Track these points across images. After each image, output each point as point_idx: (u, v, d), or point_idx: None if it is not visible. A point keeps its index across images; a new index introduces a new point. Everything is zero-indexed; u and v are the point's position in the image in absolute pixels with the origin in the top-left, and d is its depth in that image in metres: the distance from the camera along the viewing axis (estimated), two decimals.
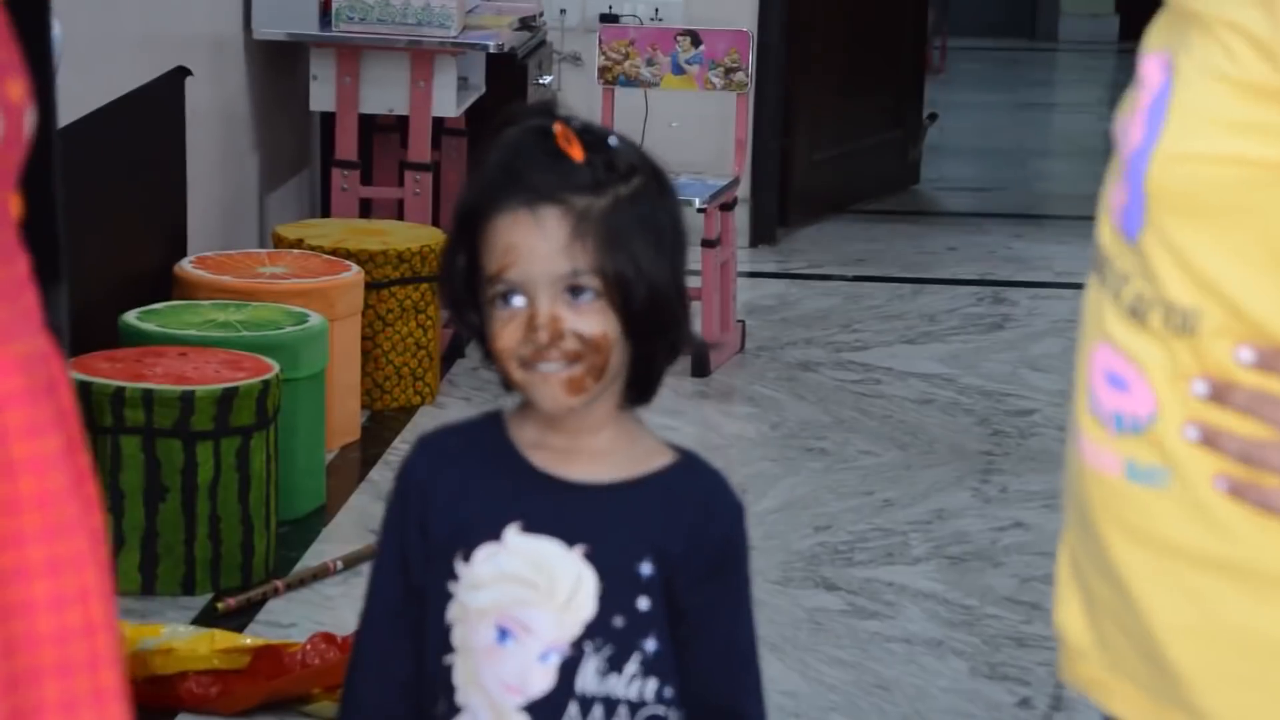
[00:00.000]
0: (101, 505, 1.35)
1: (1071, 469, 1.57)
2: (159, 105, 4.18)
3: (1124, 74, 9.06)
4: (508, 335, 1.75)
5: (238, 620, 3.42)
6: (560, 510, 1.80)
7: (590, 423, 1.80)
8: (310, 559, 3.70)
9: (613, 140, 1.81)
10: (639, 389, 1.82)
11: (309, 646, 3.13)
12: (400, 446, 4.24)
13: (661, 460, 1.83)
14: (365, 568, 3.64)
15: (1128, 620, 1.51)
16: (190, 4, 4.51)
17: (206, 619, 3.42)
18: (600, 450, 1.82)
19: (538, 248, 1.74)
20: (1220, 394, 1.43)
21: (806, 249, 5.87)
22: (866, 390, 4.71)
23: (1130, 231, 1.47)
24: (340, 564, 3.65)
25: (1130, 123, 1.48)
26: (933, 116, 6.84)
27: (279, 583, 3.56)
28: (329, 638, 3.16)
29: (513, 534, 1.78)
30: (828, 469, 4.22)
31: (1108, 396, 1.50)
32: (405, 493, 1.84)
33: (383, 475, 4.09)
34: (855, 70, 6.26)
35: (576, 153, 1.76)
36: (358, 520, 3.90)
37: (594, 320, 1.74)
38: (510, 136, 1.80)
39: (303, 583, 3.59)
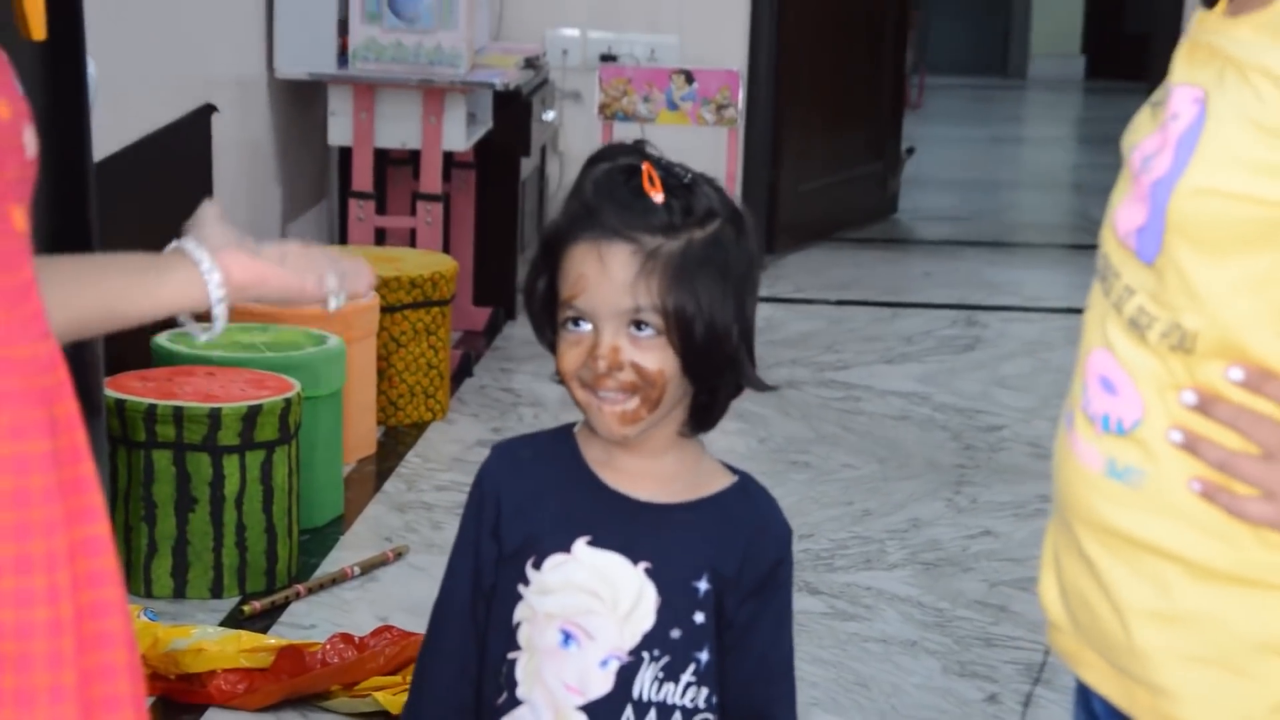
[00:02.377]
0: (104, 516, 1.31)
1: (1058, 456, 1.59)
2: (188, 140, 4.20)
3: (1090, 110, 9.06)
4: (572, 357, 1.75)
5: (262, 622, 3.43)
6: (626, 528, 1.79)
7: (651, 447, 1.80)
8: (329, 565, 3.72)
9: (697, 184, 1.79)
10: (700, 419, 1.82)
11: (328, 646, 3.14)
12: (412, 460, 4.26)
13: (720, 483, 1.84)
14: (380, 572, 3.68)
15: (1096, 601, 1.54)
16: (217, 45, 4.52)
17: (234, 621, 3.43)
18: (664, 473, 1.82)
19: (605, 280, 1.73)
20: (1207, 406, 1.45)
21: (793, 274, 5.87)
22: (848, 407, 4.72)
23: (1146, 254, 1.48)
24: (357, 569, 3.66)
25: (1158, 152, 1.48)
26: (910, 150, 6.84)
27: (300, 587, 3.57)
28: (347, 638, 3.17)
29: (581, 547, 1.78)
30: (811, 481, 4.24)
31: (1098, 398, 1.52)
32: (480, 500, 1.83)
33: (396, 487, 4.11)
34: (838, 107, 6.24)
35: (658, 193, 1.75)
36: (373, 529, 3.91)
37: (653, 355, 1.74)
38: (599, 172, 1.79)
39: (322, 587, 3.60)
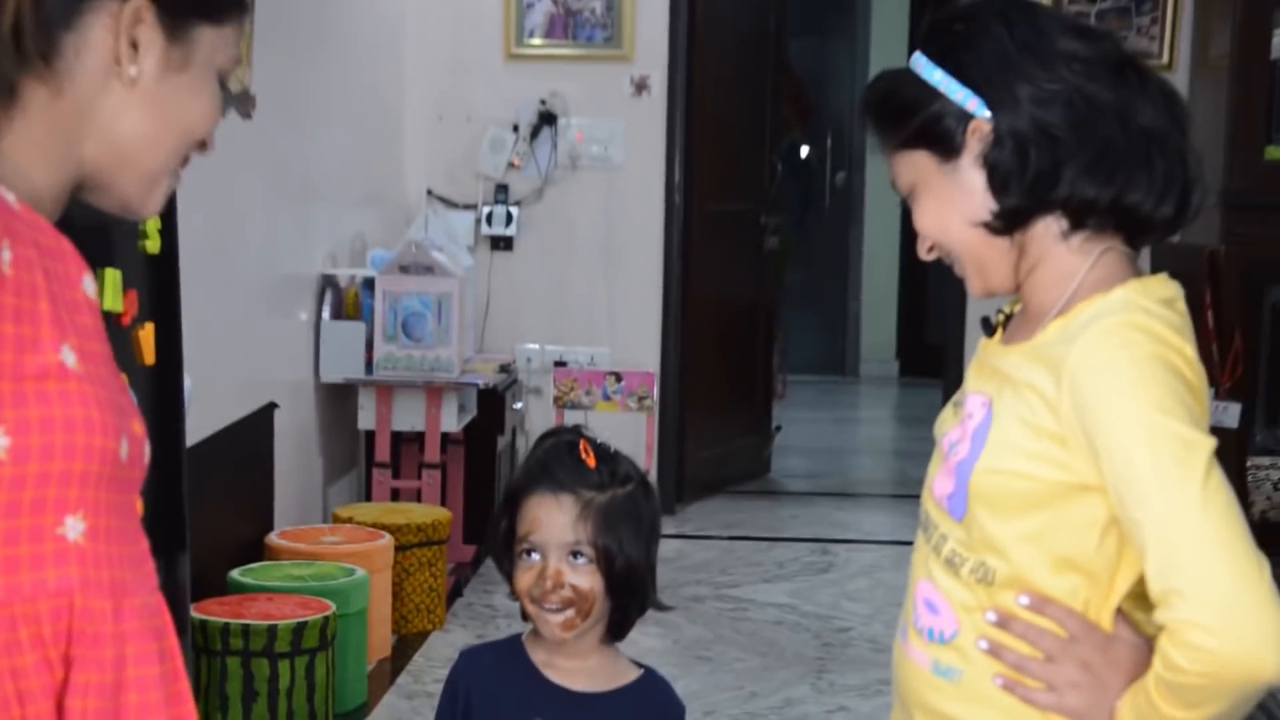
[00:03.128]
0: (194, 714, 1.28)
1: (895, 659, 1.57)
2: (256, 429, 4.19)
3: (903, 398, 9.13)
4: (526, 579, 1.74)
5: None
6: (566, 712, 1.77)
7: (582, 651, 1.78)
8: None
9: (618, 455, 1.80)
10: (616, 630, 1.80)
11: None
12: (418, 660, 4.17)
13: (632, 675, 1.82)
14: None
15: None
16: (276, 358, 4.53)
17: None
18: (591, 670, 1.79)
19: (554, 521, 1.73)
20: (1004, 623, 1.46)
21: (695, 518, 5.84)
22: (737, 615, 4.66)
23: (956, 513, 1.48)
24: None
25: (960, 440, 1.48)
26: (778, 427, 6.86)
27: None
28: None
29: None
30: (711, 671, 4.18)
31: (925, 616, 1.51)
32: (454, 694, 1.80)
33: (406, 681, 4.03)
34: (725, 396, 6.26)
35: (591, 461, 1.76)
36: (389, 713, 3.83)
37: (586, 578, 1.73)
38: (549, 444, 1.80)
39: None
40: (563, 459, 1.77)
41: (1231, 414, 3.75)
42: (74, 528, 1.18)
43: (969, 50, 1.46)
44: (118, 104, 1.22)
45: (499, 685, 1.79)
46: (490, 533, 1.81)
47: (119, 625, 1.20)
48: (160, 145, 1.26)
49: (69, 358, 1.17)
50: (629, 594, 1.76)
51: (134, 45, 1.21)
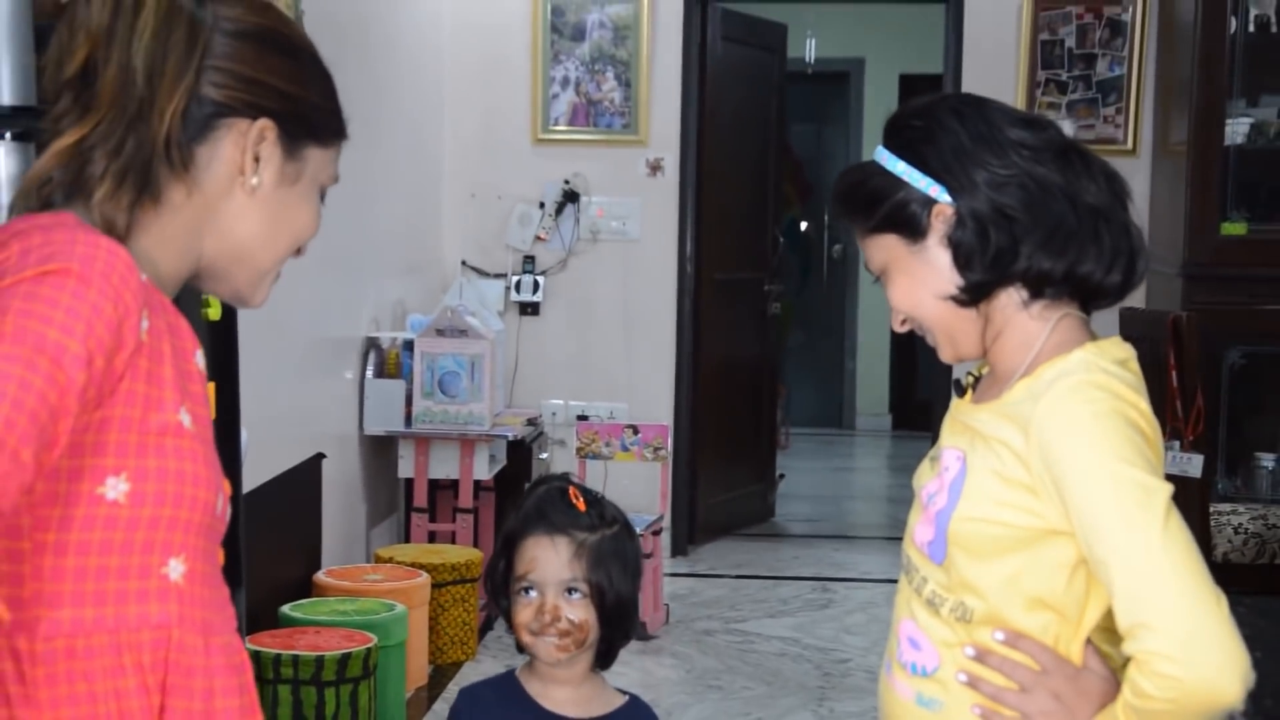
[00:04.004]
0: None
1: (881, 691, 1.57)
2: (305, 478, 4.20)
3: (895, 449, 9.07)
4: (525, 614, 1.74)
5: None
6: None
7: (573, 677, 1.77)
8: None
9: (603, 500, 1.81)
10: (604, 659, 1.80)
11: None
12: (453, 688, 4.15)
13: (618, 702, 1.81)
14: None
15: None
16: (324, 413, 4.55)
17: None
18: (581, 698, 1.78)
19: (550, 561, 1.73)
20: (981, 657, 1.45)
21: (707, 558, 5.81)
22: (745, 648, 4.64)
23: (936, 558, 1.48)
24: None
25: (938, 491, 1.48)
26: (782, 475, 6.86)
27: None
28: None
29: None
30: (722, 699, 4.15)
31: (908, 652, 1.51)
32: None
33: (441, 708, 4.01)
34: (733, 447, 6.25)
35: (580, 505, 1.77)
36: None
37: (580, 611, 1.73)
38: (541, 490, 1.81)
39: None
40: (556, 503, 1.77)
41: (1195, 465, 3.75)
42: (176, 569, 1.22)
43: (928, 143, 1.47)
44: (239, 208, 1.30)
45: (495, 715, 1.78)
46: (489, 573, 1.80)
47: (208, 659, 1.24)
48: (272, 247, 1.33)
49: (185, 418, 1.23)
50: (618, 624, 1.76)
51: (256, 159, 1.29)
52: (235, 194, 1.29)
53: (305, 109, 1.32)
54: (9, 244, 1.18)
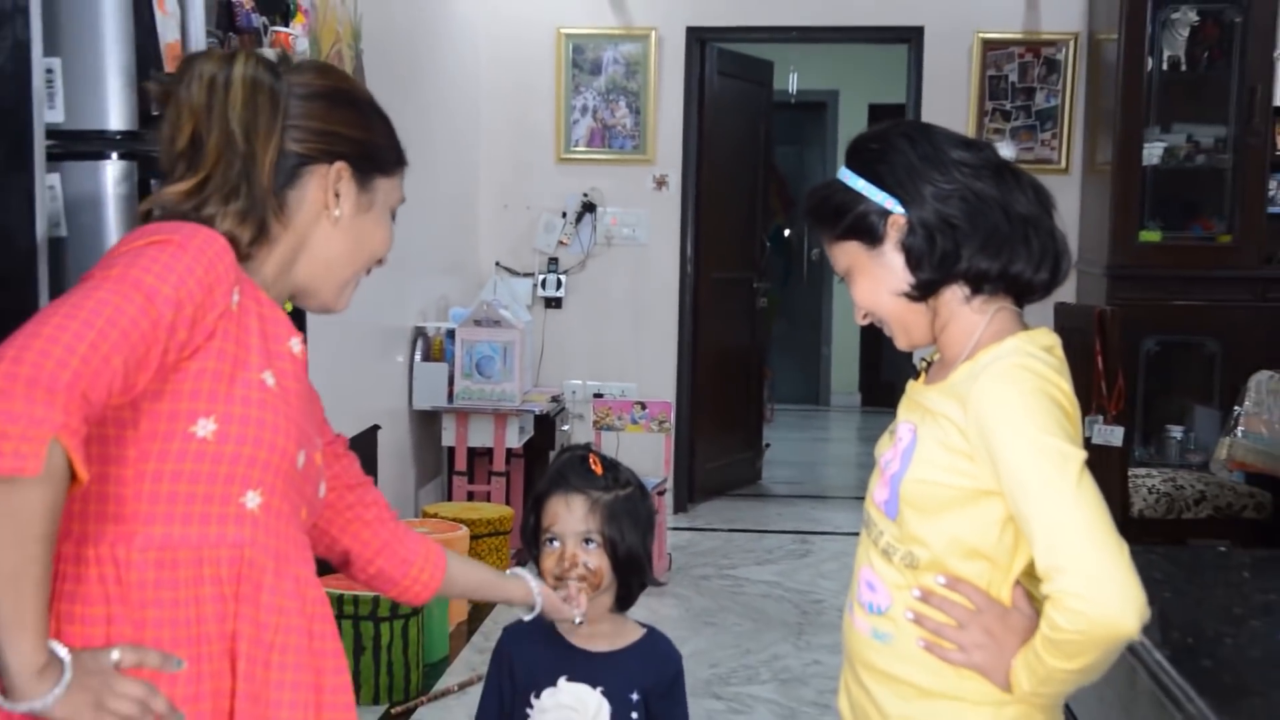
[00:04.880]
0: (343, 659, 1.34)
1: (844, 626, 1.58)
2: (363, 446, 4.20)
3: (864, 424, 9.05)
4: (549, 562, 1.74)
5: (401, 718, 3.35)
6: (587, 668, 1.75)
7: (594, 617, 1.76)
8: (440, 684, 3.63)
9: (619, 465, 1.79)
10: (623, 602, 1.79)
11: None
12: (489, 623, 4.17)
13: (637, 635, 1.80)
14: (472, 689, 3.59)
15: (869, 709, 1.52)
16: (379, 391, 4.55)
17: (386, 718, 3.36)
18: (605, 634, 1.78)
19: (570, 516, 1.73)
20: (925, 597, 1.46)
21: (703, 515, 5.81)
22: (735, 590, 4.65)
23: (890, 514, 1.48)
24: (457, 687, 3.58)
25: (893, 459, 1.49)
26: (767, 445, 6.84)
27: (423, 698, 3.49)
28: None
29: (563, 682, 1.75)
30: (715, 633, 4.17)
31: (866, 593, 1.52)
32: (500, 659, 1.80)
33: (479, 639, 4.03)
34: (727, 420, 6.24)
35: (598, 470, 1.76)
36: (466, 664, 3.82)
37: (595, 559, 1.73)
38: (565, 457, 1.80)
39: (436, 698, 3.52)
40: (576, 468, 1.76)
41: (1116, 435, 3.76)
42: (252, 499, 1.26)
43: (883, 163, 1.49)
44: (325, 236, 1.36)
45: (534, 651, 1.78)
46: (522, 527, 1.81)
47: (278, 581, 1.27)
48: (353, 264, 1.39)
49: (269, 379, 1.27)
50: (630, 572, 1.75)
51: (336, 194, 1.35)
52: (322, 225, 1.35)
53: (371, 148, 1.37)
54: (135, 238, 1.24)
